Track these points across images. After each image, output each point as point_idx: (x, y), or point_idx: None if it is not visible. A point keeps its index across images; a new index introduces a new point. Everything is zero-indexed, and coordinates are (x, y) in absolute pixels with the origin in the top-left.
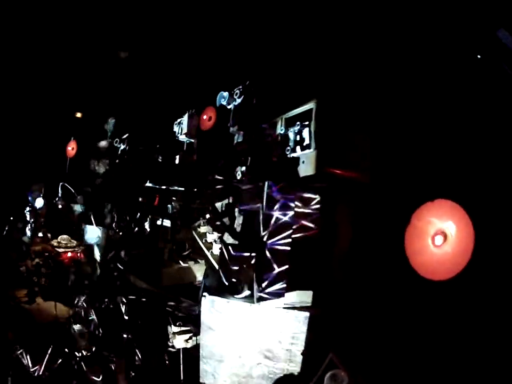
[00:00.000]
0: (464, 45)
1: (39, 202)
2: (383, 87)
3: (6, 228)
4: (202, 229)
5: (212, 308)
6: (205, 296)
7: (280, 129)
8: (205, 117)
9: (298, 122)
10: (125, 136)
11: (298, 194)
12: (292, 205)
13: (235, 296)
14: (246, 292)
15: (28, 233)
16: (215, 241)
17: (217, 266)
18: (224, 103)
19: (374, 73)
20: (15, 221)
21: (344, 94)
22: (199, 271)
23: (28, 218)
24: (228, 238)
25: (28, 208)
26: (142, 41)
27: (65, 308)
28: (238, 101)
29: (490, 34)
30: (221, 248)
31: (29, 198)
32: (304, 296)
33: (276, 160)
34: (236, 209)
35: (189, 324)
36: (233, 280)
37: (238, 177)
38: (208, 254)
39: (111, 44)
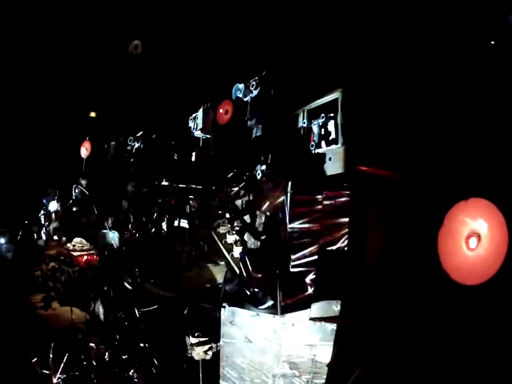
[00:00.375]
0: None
1: (53, 206)
2: (416, 75)
3: (20, 233)
4: (222, 229)
5: (233, 318)
6: (224, 306)
7: (302, 123)
8: (221, 110)
9: (322, 115)
10: (139, 134)
11: (325, 195)
12: (318, 207)
13: (257, 307)
14: (269, 302)
15: (43, 236)
16: (235, 243)
17: (238, 271)
18: (240, 95)
19: (406, 60)
20: (30, 225)
21: (373, 82)
22: (219, 273)
23: (43, 222)
24: (249, 238)
25: (42, 212)
26: (154, 35)
27: (81, 313)
28: (255, 92)
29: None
30: (242, 253)
31: (44, 201)
32: (331, 307)
33: (299, 157)
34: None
35: (208, 333)
36: (256, 289)
37: (258, 177)
38: (228, 256)
39: (124, 40)
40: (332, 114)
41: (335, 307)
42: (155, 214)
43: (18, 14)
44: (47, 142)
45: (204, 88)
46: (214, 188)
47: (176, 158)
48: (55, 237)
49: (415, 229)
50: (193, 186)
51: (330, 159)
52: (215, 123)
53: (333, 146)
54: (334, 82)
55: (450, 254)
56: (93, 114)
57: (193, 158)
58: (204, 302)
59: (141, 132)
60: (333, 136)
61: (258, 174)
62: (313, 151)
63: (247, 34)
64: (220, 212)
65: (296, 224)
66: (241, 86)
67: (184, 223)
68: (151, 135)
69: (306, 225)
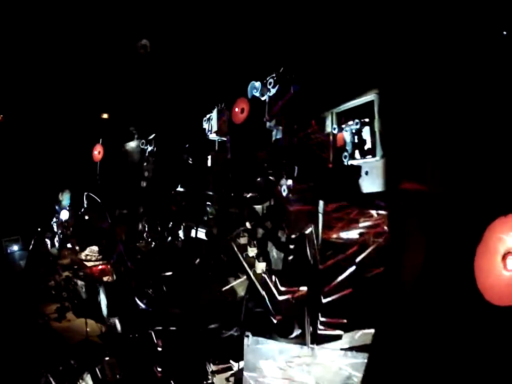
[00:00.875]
0: None
1: (65, 214)
2: (463, 79)
3: (33, 241)
4: (242, 240)
5: (257, 348)
6: (248, 335)
7: (332, 128)
8: (236, 109)
9: (356, 120)
10: (151, 137)
11: (361, 215)
12: (354, 229)
13: (284, 337)
14: (297, 331)
15: (56, 244)
16: (257, 257)
17: (262, 292)
18: (257, 94)
19: (452, 59)
20: (43, 232)
21: (415, 82)
22: (240, 287)
23: (55, 230)
24: (272, 249)
25: (54, 219)
26: (165, 31)
27: (96, 325)
28: (273, 91)
29: None
30: (265, 273)
31: (56, 208)
32: (364, 335)
33: (331, 170)
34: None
35: (230, 357)
36: (281, 317)
37: (284, 193)
38: (251, 272)
39: (135, 39)
40: (366, 120)
41: (367, 334)
42: (171, 223)
43: (30, 16)
44: (58, 145)
45: (217, 87)
46: (232, 194)
47: (190, 162)
48: (69, 245)
49: (454, 246)
50: (210, 193)
51: (367, 173)
52: (231, 124)
53: (370, 159)
54: (368, 82)
55: (486, 272)
56: (105, 116)
57: (208, 162)
58: (224, 320)
59: (153, 135)
60: (368, 145)
61: (284, 191)
62: (346, 163)
63: (261, 27)
64: (238, 219)
65: (328, 237)
66: (257, 84)
67: (201, 233)
68: (164, 138)
69: (339, 238)
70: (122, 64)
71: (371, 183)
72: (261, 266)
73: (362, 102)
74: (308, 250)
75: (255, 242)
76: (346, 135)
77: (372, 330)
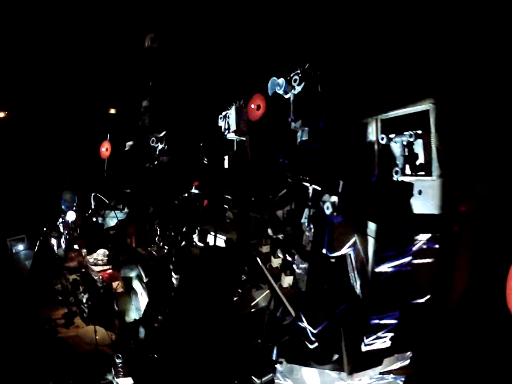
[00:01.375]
0: None
1: (71, 216)
2: None
3: (38, 243)
4: (264, 249)
5: (291, 376)
6: (281, 362)
7: (380, 138)
8: (252, 105)
9: (411, 133)
10: (162, 134)
11: (412, 240)
12: (408, 249)
13: (320, 365)
14: (334, 357)
15: (62, 245)
16: (284, 270)
17: (291, 311)
18: (281, 91)
19: None
20: (48, 233)
21: (478, 93)
22: (261, 297)
23: (62, 230)
24: (295, 258)
25: (60, 220)
26: (178, 25)
27: (106, 333)
28: (298, 88)
29: None
30: (296, 294)
31: (62, 207)
32: (400, 358)
33: (380, 186)
34: (304, 221)
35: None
36: (317, 344)
37: (328, 211)
38: (276, 286)
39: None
40: (419, 132)
41: (404, 358)
42: (184, 227)
43: (37, 15)
44: (64, 142)
45: (234, 83)
46: (252, 197)
47: (206, 162)
48: (76, 246)
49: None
50: (229, 197)
51: (420, 192)
52: (249, 122)
53: (425, 177)
54: (423, 88)
55: None
56: (112, 111)
57: (225, 163)
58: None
59: (164, 132)
60: (421, 160)
61: (328, 208)
62: (396, 178)
63: (283, 17)
64: (259, 225)
65: (383, 268)
66: (281, 81)
67: (220, 240)
68: (176, 135)
69: (394, 269)
70: (130, 57)
71: (424, 203)
72: (287, 280)
73: (414, 111)
74: (351, 273)
75: (278, 255)
76: (396, 147)
77: (409, 353)
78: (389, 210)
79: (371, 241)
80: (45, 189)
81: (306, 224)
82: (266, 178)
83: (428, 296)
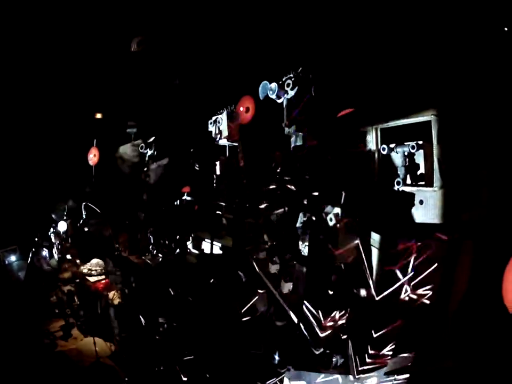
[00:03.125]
0: None
1: (62, 226)
2: None
3: (31, 254)
4: (261, 255)
5: (299, 381)
6: (289, 369)
7: (382, 149)
8: (241, 108)
9: (413, 144)
10: (151, 140)
11: (414, 249)
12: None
13: (326, 369)
14: (340, 361)
15: (55, 255)
16: (284, 277)
17: (294, 318)
18: (273, 96)
19: None
20: (40, 243)
21: (482, 105)
22: (259, 303)
23: (53, 240)
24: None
25: (51, 230)
26: (166, 27)
27: (106, 344)
28: (291, 93)
29: None
30: (300, 303)
31: (53, 217)
32: (406, 357)
33: (382, 196)
34: (299, 225)
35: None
36: (322, 349)
37: (331, 223)
38: (277, 294)
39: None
40: (420, 142)
41: (408, 357)
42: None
43: (23, 15)
44: (51, 149)
45: (224, 86)
46: (247, 203)
47: (197, 168)
48: (68, 256)
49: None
50: (221, 204)
51: (421, 202)
52: (242, 128)
53: (427, 188)
54: (425, 98)
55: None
56: (99, 115)
57: (217, 168)
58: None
59: (153, 137)
60: (421, 170)
61: (331, 220)
62: (397, 188)
63: (274, 20)
64: (254, 231)
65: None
66: (273, 85)
67: (215, 247)
68: (165, 140)
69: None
70: (117, 60)
71: (426, 213)
72: (287, 287)
73: (415, 121)
74: (357, 284)
75: (276, 258)
76: (397, 157)
77: (412, 354)
78: (392, 220)
79: (375, 252)
80: (35, 198)
81: (301, 229)
82: (260, 183)
83: (431, 301)
